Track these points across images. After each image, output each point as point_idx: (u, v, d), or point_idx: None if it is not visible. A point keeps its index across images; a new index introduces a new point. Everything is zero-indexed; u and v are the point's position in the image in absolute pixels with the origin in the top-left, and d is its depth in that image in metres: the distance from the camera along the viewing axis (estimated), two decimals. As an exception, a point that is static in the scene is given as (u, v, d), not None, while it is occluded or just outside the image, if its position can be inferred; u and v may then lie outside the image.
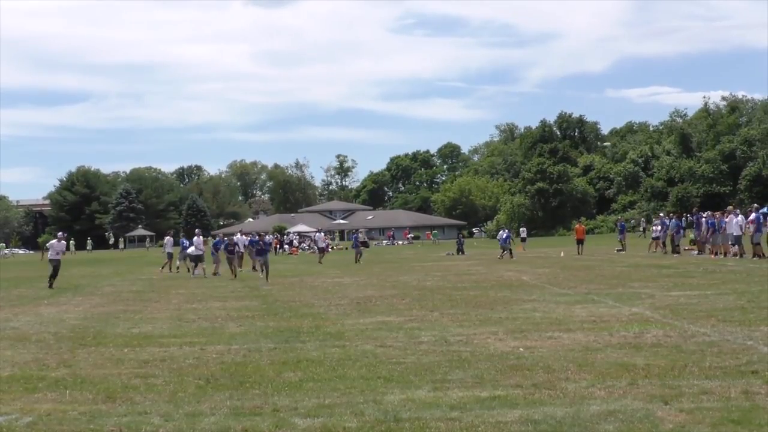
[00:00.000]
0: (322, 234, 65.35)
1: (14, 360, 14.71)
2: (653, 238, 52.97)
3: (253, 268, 43.40)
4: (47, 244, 40.29)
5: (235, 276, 40.22)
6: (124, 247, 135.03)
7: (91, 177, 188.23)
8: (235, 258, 43.34)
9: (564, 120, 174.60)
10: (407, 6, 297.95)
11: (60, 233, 38.97)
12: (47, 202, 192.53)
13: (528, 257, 53.86)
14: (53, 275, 34.49)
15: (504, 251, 53.39)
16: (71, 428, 9.47)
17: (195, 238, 48.18)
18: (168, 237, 51.86)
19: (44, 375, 13.03)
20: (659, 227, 52.25)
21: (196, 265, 42.47)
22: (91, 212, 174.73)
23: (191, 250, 44.54)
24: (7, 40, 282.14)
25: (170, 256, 49.18)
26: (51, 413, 10.17)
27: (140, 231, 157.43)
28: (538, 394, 10.63)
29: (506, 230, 58.78)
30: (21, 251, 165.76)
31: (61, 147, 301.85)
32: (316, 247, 54.55)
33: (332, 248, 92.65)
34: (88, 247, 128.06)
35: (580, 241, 56.25)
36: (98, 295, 30.23)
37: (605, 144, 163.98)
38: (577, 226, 60.26)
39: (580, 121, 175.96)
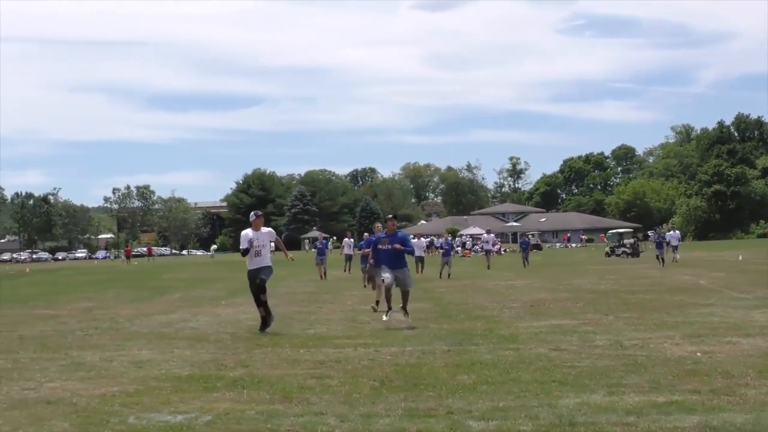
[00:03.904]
0: (492, 236, 63.65)
1: (193, 360, 15.03)
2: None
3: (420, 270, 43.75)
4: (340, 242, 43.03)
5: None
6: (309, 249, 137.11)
7: (266, 180, 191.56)
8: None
9: (742, 121, 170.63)
10: (576, 7, 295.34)
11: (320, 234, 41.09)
12: (224, 204, 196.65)
13: (705, 261, 52.80)
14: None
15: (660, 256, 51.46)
16: (249, 427, 9.62)
17: (345, 239, 48.69)
18: (347, 239, 52.39)
19: (222, 375, 13.27)
20: None
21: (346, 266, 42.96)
22: (267, 214, 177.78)
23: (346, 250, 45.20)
24: (181, 46, 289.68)
25: (349, 258, 49.63)
26: (229, 412, 10.34)
27: (314, 233, 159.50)
28: (716, 400, 10.38)
29: (676, 230, 57.69)
30: (198, 252, 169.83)
31: (236, 150, 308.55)
32: (483, 250, 53.88)
33: (505, 251, 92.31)
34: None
35: None
36: (273, 297, 30.61)
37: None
38: None
39: (759, 123, 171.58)
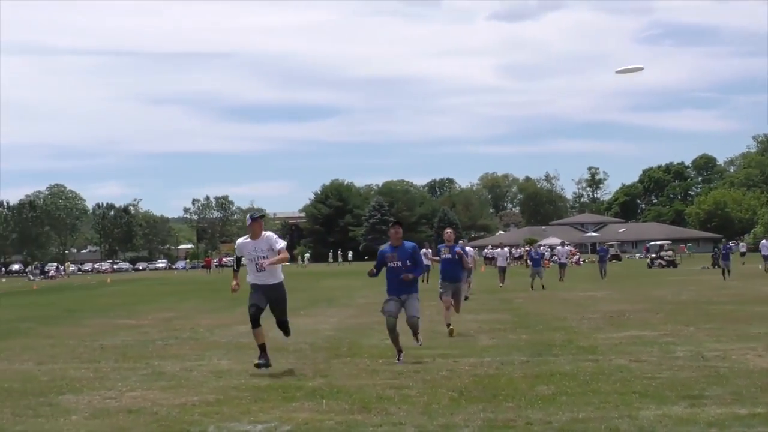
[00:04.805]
0: (567, 248, 62.68)
1: (272, 370, 15.07)
2: None
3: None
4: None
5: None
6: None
7: (344, 190, 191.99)
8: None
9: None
10: (654, 16, 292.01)
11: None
12: (302, 214, 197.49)
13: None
14: None
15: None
16: (328, 437, 9.68)
17: (423, 250, 48.61)
18: (425, 249, 52.49)
19: (301, 384, 13.32)
20: None
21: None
22: (345, 225, 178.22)
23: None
24: (260, 57, 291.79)
25: (427, 268, 49.64)
26: (308, 422, 10.38)
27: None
28: (801, 413, 10.24)
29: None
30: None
31: (314, 161, 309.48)
32: (558, 262, 53.34)
33: (584, 261, 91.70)
34: (348, 258, 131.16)
35: None
36: (352, 307, 30.82)
37: None
38: None
39: None
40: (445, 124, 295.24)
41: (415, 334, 16.39)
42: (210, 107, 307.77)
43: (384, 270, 16.20)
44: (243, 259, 15.34)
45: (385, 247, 16.61)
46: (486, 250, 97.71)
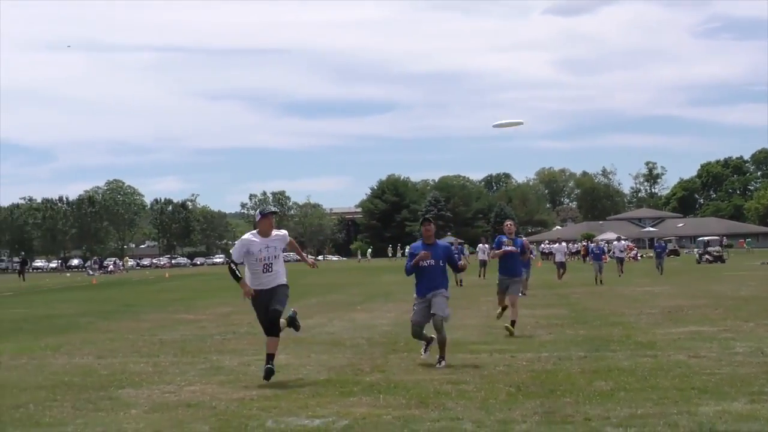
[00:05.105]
0: (623, 243, 61.56)
1: (330, 364, 15.15)
2: None
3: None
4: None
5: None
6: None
7: (401, 185, 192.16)
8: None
9: None
10: (712, 9, 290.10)
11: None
12: (359, 210, 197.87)
13: None
14: None
15: None
16: (386, 432, 9.69)
17: (479, 245, 48.61)
18: (482, 244, 52.45)
19: (359, 379, 13.35)
20: None
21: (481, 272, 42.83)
22: (401, 220, 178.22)
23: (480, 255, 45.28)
24: (317, 53, 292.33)
25: (483, 263, 49.58)
26: (366, 417, 10.40)
27: (449, 238, 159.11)
28: None
29: None
30: (334, 258, 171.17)
31: (370, 156, 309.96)
32: (615, 256, 52.76)
33: (641, 256, 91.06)
34: (406, 254, 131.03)
35: None
36: (409, 302, 30.74)
37: None
38: None
39: None
40: (501, 119, 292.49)
41: (442, 350, 14.78)
42: (268, 103, 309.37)
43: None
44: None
45: (416, 244, 15.84)
46: (542, 246, 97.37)
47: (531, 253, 22.05)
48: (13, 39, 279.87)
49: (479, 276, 47.63)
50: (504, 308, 19.97)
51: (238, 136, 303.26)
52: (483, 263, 49.52)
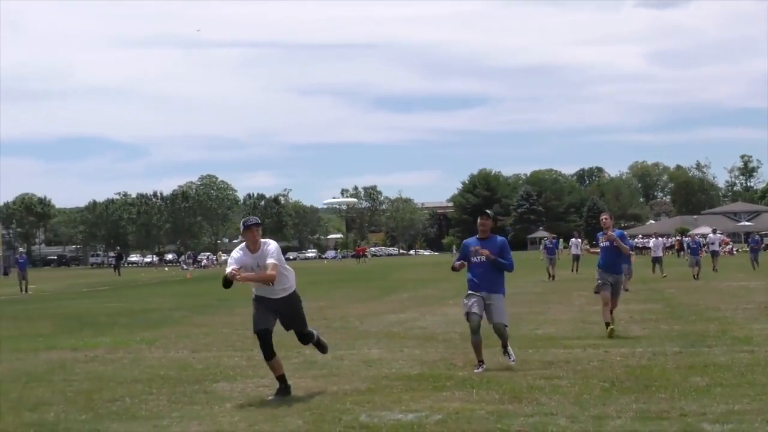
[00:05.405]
0: (718, 236, 59.77)
1: (423, 359, 15.18)
2: None
3: None
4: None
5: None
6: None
7: (492, 180, 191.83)
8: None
9: None
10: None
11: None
12: (450, 204, 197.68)
13: None
14: None
15: None
16: (479, 427, 9.65)
17: (572, 239, 48.25)
18: (575, 239, 52.19)
19: (452, 374, 13.36)
20: None
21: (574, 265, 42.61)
22: (493, 214, 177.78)
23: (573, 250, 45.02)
24: (408, 48, 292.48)
25: (576, 257, 49.35)
26: (459, 412, 10.40)
27: (541, 233, 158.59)
28: None
29: None
30: (426, 252, 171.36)
31: (462, 150, 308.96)
32: (710, 250, 51.70)
33: (737, 251, 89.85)
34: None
35: None
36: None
37: None
38: None
39: None
40: (593, 113, 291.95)
41: (505, 346, 14.16)
42: (359, 98, 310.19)
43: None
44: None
45: (470, 239, 14.88)
46: (636, 240, 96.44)
47: (631, 248, 20.95)
48: (109, 36, 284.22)
49: (572, 270, 47.42)
50: (609, 323, 18.06)
51: (329, 131, 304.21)
52: (576, 257, 49.33)
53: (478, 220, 14.73)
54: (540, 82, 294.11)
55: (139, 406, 11.46)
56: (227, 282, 11.98)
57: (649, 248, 52.75)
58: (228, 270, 12.00)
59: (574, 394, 11.29)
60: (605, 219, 18.92)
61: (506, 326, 14.01)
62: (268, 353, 12.35)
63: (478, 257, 14.09)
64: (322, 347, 13.42)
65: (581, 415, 10.00)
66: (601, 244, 18.76)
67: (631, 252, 21.72)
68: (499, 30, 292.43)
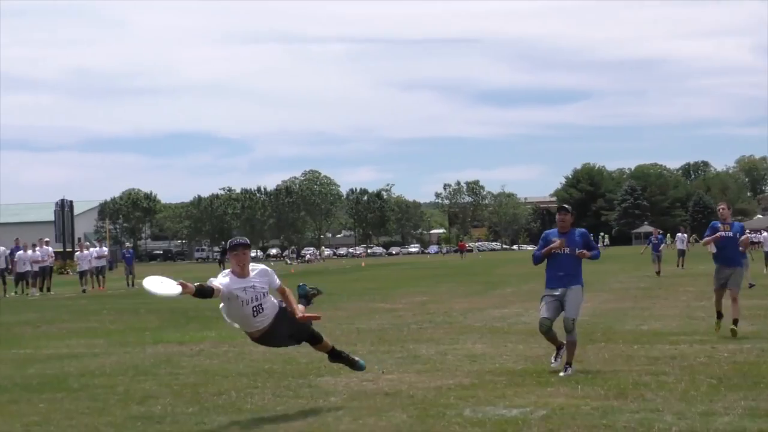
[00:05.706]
0: None
1: (526, 354, 15.13)
2: None
3: None
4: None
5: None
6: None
7: (596, 174, 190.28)
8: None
9: None
10: None
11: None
12: (553, 199, 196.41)
13: None
14: None
15: None
16: (584, 423, 9.58)
17: (678, 234, 47.82)
18: (680, 234, 51.63)
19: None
20: None
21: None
22: (597, 209, 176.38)
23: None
24: (510, 42, 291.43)
25: (682, 252, 48.77)
26: (564, 407, 10.33)
27: (645, 228, 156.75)
28: None
29: None
30: (529, 247, 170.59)
31: (564, 145, 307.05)
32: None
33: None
34: (605, 242, 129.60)
35: None
36: (606, 291, 30.46)
37: None
38: None
39: None
40: (699, 106, 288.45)
41: (570, 355, 13.28)
42: (461, 92, 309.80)
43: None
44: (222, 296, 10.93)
45: (551, 230, 14.17)
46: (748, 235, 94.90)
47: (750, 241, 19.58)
48: (212, 33, 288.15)
49: (677, 266, 46.80)
50: (720, 317, 17.49)
51: (431, 126, 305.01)
52: (681, 252, 48.70)
53: (557, 216, 14.13)
54: (644, 76, 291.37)
55: (245, 399, 11.57)
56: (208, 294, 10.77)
57: (761, 242, 51.42)
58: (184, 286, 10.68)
59: (680, 391, 11.14)
60: (722, 209, 17.79)
61: (574, 320, 13.34)
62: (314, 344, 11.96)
63: (561, 249, 13.57)
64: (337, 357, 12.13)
65: (688, 412, 9.88)
66: (723, 234, 17.38)
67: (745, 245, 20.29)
68: (602, 23, 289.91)
